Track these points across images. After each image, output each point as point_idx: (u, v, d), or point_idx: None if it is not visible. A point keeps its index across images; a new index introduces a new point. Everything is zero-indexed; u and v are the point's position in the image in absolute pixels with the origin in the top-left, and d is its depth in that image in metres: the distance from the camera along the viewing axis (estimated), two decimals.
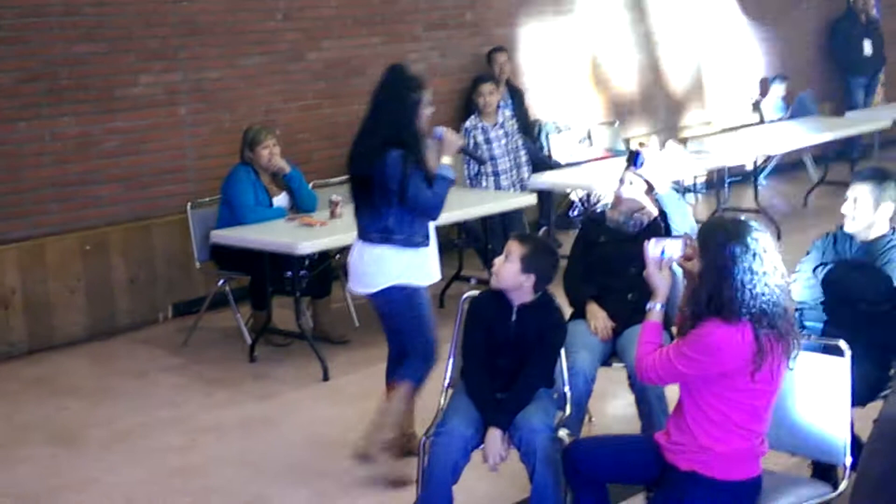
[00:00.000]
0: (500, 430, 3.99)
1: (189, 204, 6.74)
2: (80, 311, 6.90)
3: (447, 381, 4.39)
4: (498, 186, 7.58)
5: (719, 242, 3.36)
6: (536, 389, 4.11)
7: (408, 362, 4.73)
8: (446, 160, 4.70)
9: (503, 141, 7.64)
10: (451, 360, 4.39)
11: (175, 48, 7.32)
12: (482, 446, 4.03)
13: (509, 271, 4.08)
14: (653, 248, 3.55)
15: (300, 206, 6.67)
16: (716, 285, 3.32)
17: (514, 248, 4.09)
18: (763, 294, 3.30)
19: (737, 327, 3.29)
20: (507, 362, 4.12)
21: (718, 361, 3.32)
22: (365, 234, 4.68)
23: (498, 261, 4.12)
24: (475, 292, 4.34)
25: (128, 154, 7.16)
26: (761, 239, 3.37)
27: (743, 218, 3.51)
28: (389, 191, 4.54)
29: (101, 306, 6.99)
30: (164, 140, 7.33)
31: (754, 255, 3.33)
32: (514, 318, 4.13)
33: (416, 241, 4.66)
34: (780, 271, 3.38)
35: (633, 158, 4.74)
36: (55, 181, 6.85)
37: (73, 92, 6.88)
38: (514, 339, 4.12)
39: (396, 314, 4.70)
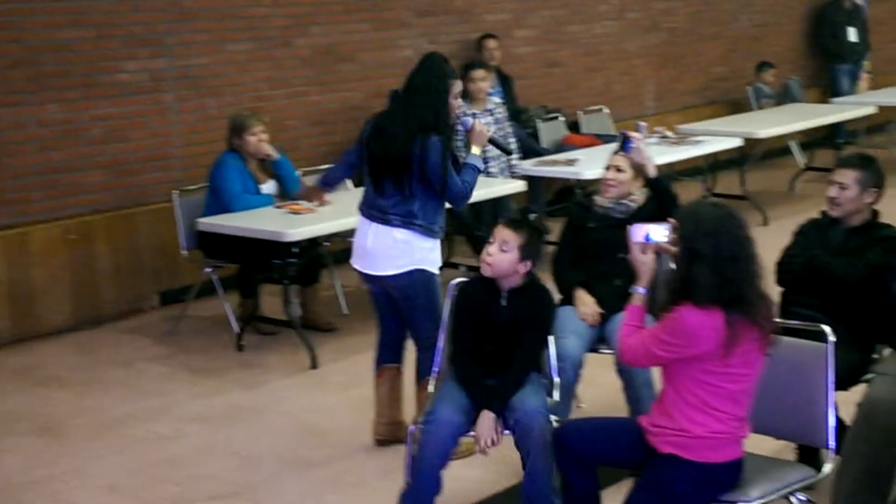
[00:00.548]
0: (494, 413, 3.99)
1: (175, 192, 6.71)
2: (65, 300, 6.87)
3: (436, 368, 4.39)
4: (487, 173, 7.56)
5: (693, 227, 3.38)
6: (530, 372, 4.11)
7: (421, 357, 4.72)
8: (475, 150, 4.77)
9: (492, 127, 7.61)
10: (440, 348, 4.38)
11: (161, 34, 7.29)
12: (472, 432, 4.03)
13: (507, 260, 4.07)
14: (636, 232, 3.56)
15: (288, 194, 6.64)
16: (688, 269, 3.34)
17: (510, 237, 4.07)
18: (736, 280, 3.31)
19: (707, 312, 3.30)
20: (498, 347, 4.12)
21: (690, 345, 3.33)
22: (383, 217, 4.66)
23: (492, 249, 4.09)
24: (464, 279, 4.33)
25: (113, 141, 7.12)
26: (736, 225, 3.38)
27: (720, 203, 3.51)
28: (426, 177, 4.57)
29: (86, 295, 6.95)
30: (150, 127, 7.30)
31: (728, 240, 3.34)
32: (504, 302, 4.12)
33: (434, 230, 4.70)
34: (755, 257, 3.38)
35: (623, 143, 4.74)
36: (39, 169, 6.82)
37: (57, 78, 6.85)
38: (506, 323, 4.11)
39: (415, 296, 4.69)
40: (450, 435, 3.96)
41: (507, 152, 7.27)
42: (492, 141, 5.10)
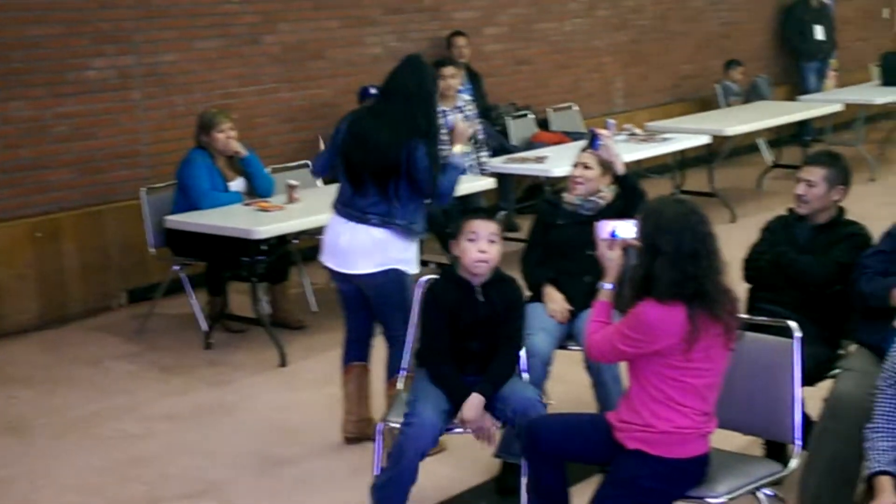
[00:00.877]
0: (484, 396, 3.99)
1: (143, 189, 6.67)
2: (31, 298, 6.80)
3: (405, 366, 4.38)
4: None
5: (654, 223, 3.39)
6: (516, 363, 4.15)
7: (393, 355, 4.70)
8: (458, 149, 4.79)
9: None
10: (408, 346, 4.38)
11: (129, 31, 7.24)
12: (453, 430, 4.03)
13: (498, 252, 4.11)
14: (603, 228, 3.58)
15: (257, 191, 6.62)
16: (650, 265, 3.35)
17: (496, 229, 4.12)
18: (697, 275, 3.33)
19: (669, 307, 3.32)
20: (479, 344, 4.11)
21: (653, 340, 3.35)
22: (361, 216, 4.65)
23: (484, 245, 4.06)
24: (433, 276, 4.33)
25: (80, 139, 7.07)
26: (697, 220, 3.40)
27: (683, 200, 3.52)
28: (412, 179, 4.57)
29: (52, 294, 6.90)
30: (118, 124, 7.25)
31: (689, 236, 3.35)
32: (481, 298, 4.12)
33: (414, 229, 4.69)
34: (716, 253, 3.40)
35: (591, 140, 4.75)
36: (6, 166, 6.75)
37: (24, 75, 6.79)
38: (485, 319, 4.11)
39: (388, 295, 4.68)
40: (431, 436, 3.95)
41: (491, 149, 7.28)
42: (475, 138, 5.11)
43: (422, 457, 3.95)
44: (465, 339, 4.11)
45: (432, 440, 3.96)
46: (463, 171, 4.82)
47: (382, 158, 4.58)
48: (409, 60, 4.78)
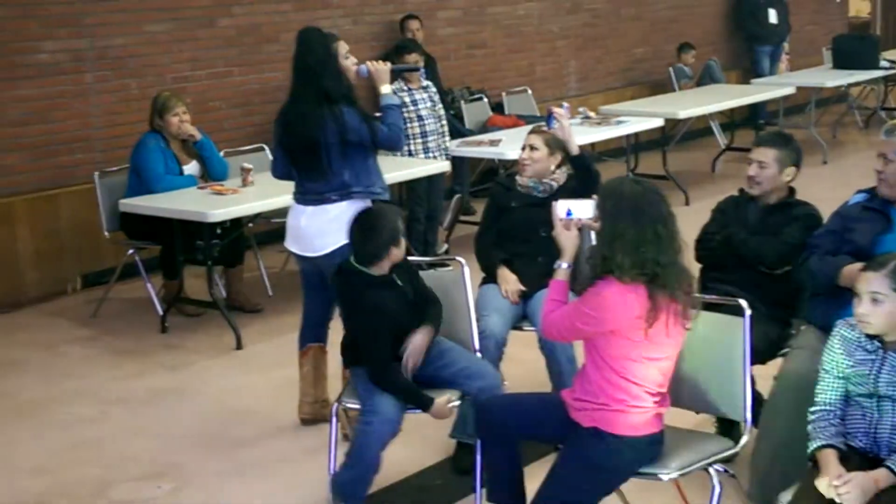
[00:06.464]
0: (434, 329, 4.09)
1: (97, 173, 6.63)
2: None
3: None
4: (426, 148, 7.51)
5: (614, 204, 3.41)
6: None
7: None
8: (385, 89, 4.79)
9: (428, 103, 7.55)
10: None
11: (80, 14, 7.18)
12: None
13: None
14: (559, 208, 3.61)
15: (211, 174, 6.60)
16: (611, 245, 3.37)
17: None
18: (657, 256, 3.35)
19: (629, 286, 3.34)
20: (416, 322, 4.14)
21: (611, 318, 3.37)
22: (320, 198, 4.66)
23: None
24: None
25: (33, 122, 7.02)
26: (657, 201, 3.42)
27: (641, 180, 3.55)
28: (350, 144, 4.57)
29: (6, 278, 6.84)
30: (71, 108, 7.19)
31: (649, 217, 3.38)
32: (400, 282, 4.12)
33: (375, 191, 4.69)
34: (675, 234, 3.43)
35: (548, 118, 4.79)
36: None
37: None
38: (413, 300, 4.13)
39: None
40: (391, 431, 3.95)
41: (415, 70, 7.26)
42: (395, 71, 5.11)
43: (384, 448, 3.95)
44: (407, 329, 4.09)
45: (392, 434, 3.96)
46: (400, 107, 4.83)
47: (310, 133, 4.59)
48: (301, 37, 4.77)
